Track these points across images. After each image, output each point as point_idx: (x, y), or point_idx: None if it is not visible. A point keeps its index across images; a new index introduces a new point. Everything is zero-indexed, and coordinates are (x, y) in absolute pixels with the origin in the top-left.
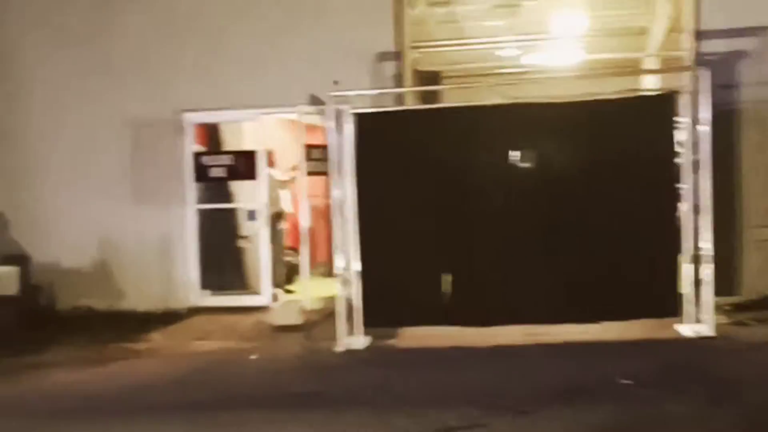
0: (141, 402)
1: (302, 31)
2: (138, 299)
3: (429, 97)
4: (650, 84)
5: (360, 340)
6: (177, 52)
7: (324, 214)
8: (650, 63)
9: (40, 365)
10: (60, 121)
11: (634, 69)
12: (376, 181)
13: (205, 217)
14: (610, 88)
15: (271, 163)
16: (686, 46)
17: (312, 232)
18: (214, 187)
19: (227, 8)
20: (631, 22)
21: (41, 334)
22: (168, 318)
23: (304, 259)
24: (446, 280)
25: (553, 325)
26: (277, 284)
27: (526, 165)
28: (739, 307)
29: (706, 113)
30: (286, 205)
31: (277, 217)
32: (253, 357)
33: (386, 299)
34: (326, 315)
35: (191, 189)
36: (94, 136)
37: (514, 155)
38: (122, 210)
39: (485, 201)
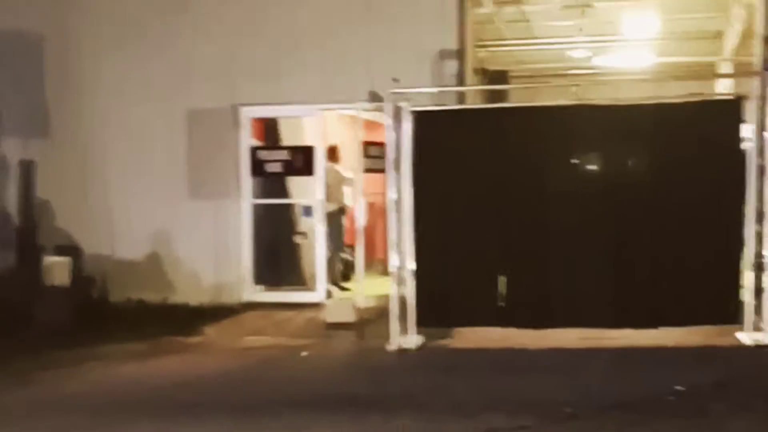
0: (193, 398)
1: (364, 26)
2: (191, 293)
3: (495, 96)
4: (724, 88)
5: (413, 340)
6: (237, 46)
7: (382, 212)
8: (724, 67)
9: (95, 358)
10: (118, 112)
11: (702, 72)
12: (434, 179)
13: (261, 212)
14: (681, 92)
15: (336, 159)
16: (756, 51)
17: (370, 229)
18: (270, 182)
19: (288, 3)
20: (705, 26)
21: (94, 326)
22: (220, 313)
23: (359, 257)
24: (502, 281)
25: (611, 330)
26: (333, 281)
27: (590, 167)
28: None
29: None
30: (348, 202)
31: (339, 212)
32: (304, 354)
33: (440, 299)
34: (380, 314)
35: (247, 183)
36: (151, 128)
37: (578, 159)
38: (178, 203)
39: (545, 203)
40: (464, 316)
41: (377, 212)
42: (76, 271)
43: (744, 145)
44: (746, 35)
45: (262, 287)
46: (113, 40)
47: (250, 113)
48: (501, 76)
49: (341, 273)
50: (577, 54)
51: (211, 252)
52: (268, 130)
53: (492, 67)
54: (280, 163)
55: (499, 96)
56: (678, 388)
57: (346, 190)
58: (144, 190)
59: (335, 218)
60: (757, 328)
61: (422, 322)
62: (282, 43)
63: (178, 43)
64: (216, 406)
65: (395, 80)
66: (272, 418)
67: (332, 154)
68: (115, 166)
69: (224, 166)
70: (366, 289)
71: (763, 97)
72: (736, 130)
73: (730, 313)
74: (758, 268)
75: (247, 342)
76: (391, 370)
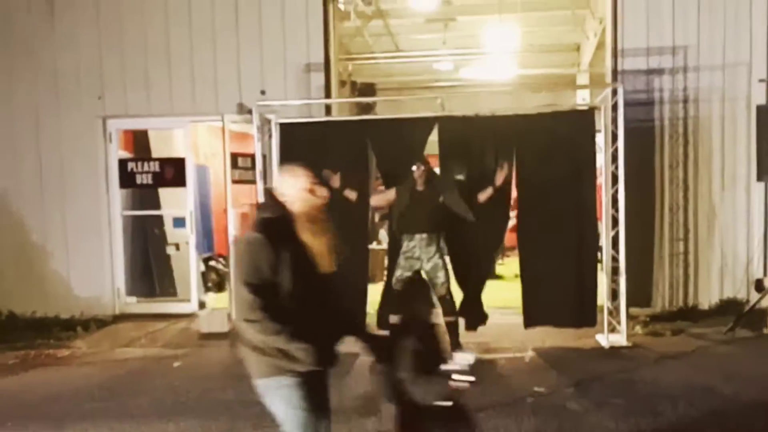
0: (62, 410)
1: (233, 39)
2: (62, 305)
3: (364, 109)
4: (582, 99)
5: None
6: (106, 57)
7: None
8: (582, 78)
9: None
10: None
11: (559, 83)
12: None
13: (133, 223)
14: (540, 102)
15: None
16: (607, 63)
17: None
18: (142, 194)
19: (156, 15)
20: (563, 38)
21: None
22: (93, 325)
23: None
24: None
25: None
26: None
27: (456, 176)
28: (654, 318)
29: (621, 128)
30: None
31: None
32: (177, 364)
33: None
34: None
35: (117, 195)
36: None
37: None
38: (49, 213)
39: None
40: None
41: (249, 222)
42: None
43: (598, 154)
44: (601, 47)
45: (135, 298)
46: None
47: (118, 125)
48: (369, 89)
49: (215, 283)
50: (442, 66)
51: (83, 264)
52: (138, 141)
53: (361, 80)
54: (151, 175)
55: (368, 109)
56: (538, 389)
57: None
58: (13, 199)
59: None
60: (612, 330)
61: None
62: (151, 54)
63: (50, 53)
64: (86, 417)
65: (262, 93)
66: (144, 427)
67: None
68: None
69: (94, 177)
70: None
71: (613, 108)
72: (591, 140)
73: (588, 317)
74: (613, 272)
75: (120, 353)
76: None
